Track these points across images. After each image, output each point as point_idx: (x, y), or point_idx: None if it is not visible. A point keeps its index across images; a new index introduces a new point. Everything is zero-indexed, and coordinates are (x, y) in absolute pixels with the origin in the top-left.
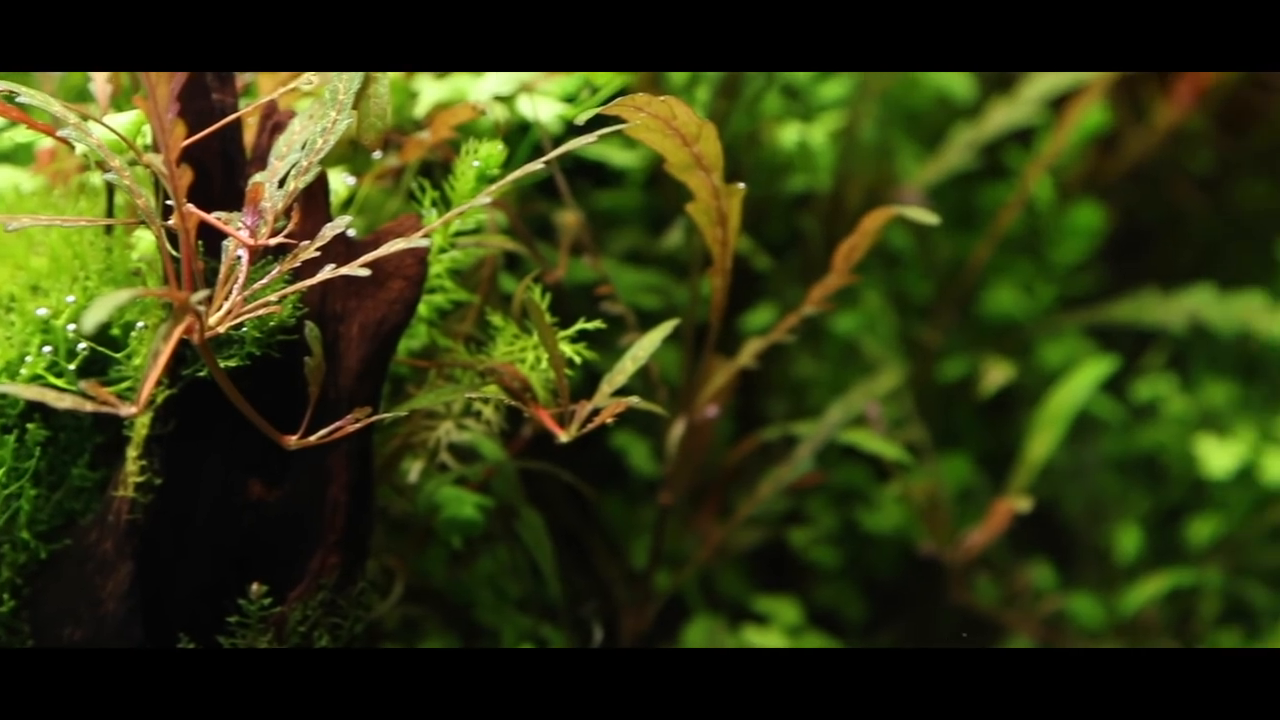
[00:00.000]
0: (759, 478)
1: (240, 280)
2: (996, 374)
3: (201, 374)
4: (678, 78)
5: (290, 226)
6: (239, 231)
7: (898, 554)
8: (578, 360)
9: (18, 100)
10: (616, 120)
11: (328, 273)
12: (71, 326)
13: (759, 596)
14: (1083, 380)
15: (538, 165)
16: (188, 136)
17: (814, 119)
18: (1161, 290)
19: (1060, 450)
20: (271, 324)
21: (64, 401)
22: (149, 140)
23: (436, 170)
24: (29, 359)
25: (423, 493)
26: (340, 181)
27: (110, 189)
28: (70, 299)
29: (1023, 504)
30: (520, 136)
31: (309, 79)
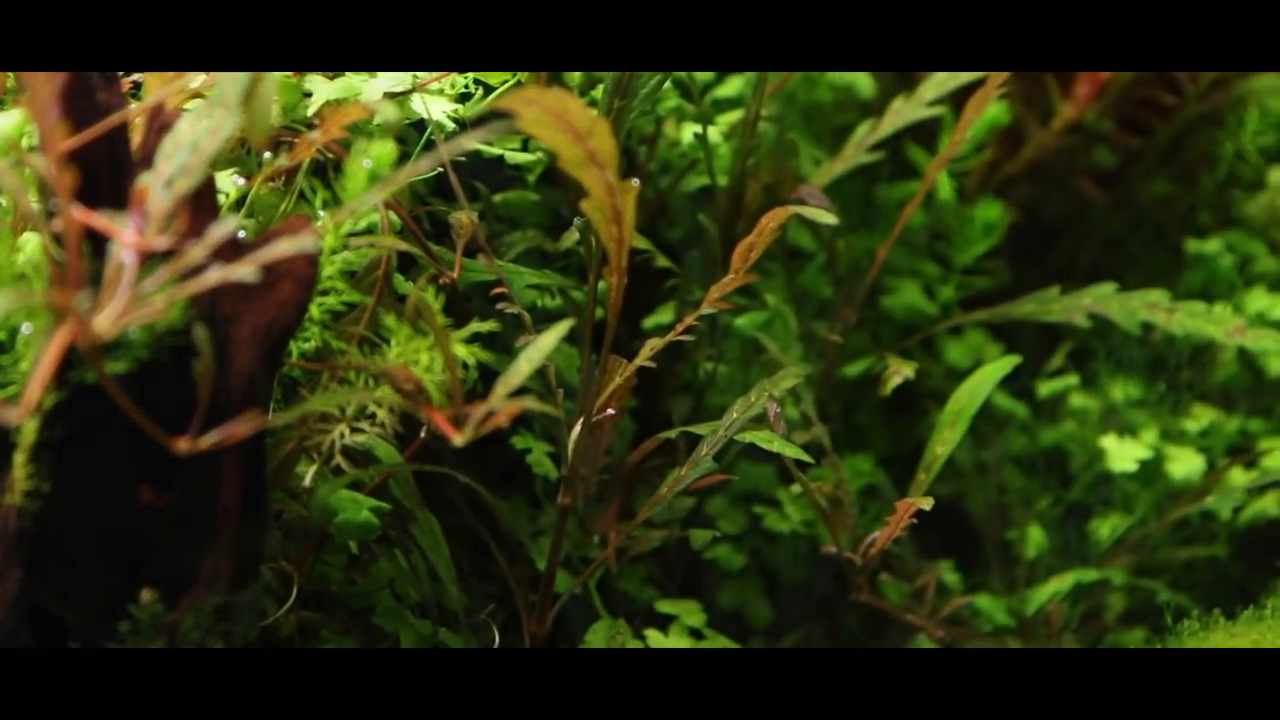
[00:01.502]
0: (663, 479)
1: (127, 283)
2: (896, 372)
3: (90, 378)
4: (574, 79)
5: (177, 228)
6: (125, 233)
7: (803, 555)
8: (472, 362)
9: None
10: (509, 117)
11: (216, 275)
12: None
13: (662, 599)
14: (984, 378)
15: (426, 163)
16: (72, 136)
17: (712, 117)
18: (1064, 287)
19: (965, 448)
20: (160, 327)
21: None
22: (35, 141)
23: (330, 170)
24: None
25: (317, 497)
26: (230, 183)
27: None
28: None
29: (924, 503)
30: (416, 136)
31: (195, 76)
